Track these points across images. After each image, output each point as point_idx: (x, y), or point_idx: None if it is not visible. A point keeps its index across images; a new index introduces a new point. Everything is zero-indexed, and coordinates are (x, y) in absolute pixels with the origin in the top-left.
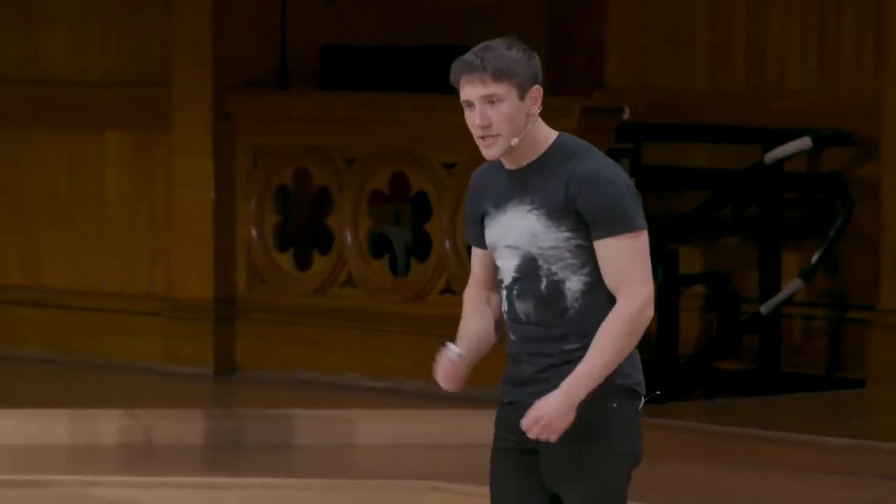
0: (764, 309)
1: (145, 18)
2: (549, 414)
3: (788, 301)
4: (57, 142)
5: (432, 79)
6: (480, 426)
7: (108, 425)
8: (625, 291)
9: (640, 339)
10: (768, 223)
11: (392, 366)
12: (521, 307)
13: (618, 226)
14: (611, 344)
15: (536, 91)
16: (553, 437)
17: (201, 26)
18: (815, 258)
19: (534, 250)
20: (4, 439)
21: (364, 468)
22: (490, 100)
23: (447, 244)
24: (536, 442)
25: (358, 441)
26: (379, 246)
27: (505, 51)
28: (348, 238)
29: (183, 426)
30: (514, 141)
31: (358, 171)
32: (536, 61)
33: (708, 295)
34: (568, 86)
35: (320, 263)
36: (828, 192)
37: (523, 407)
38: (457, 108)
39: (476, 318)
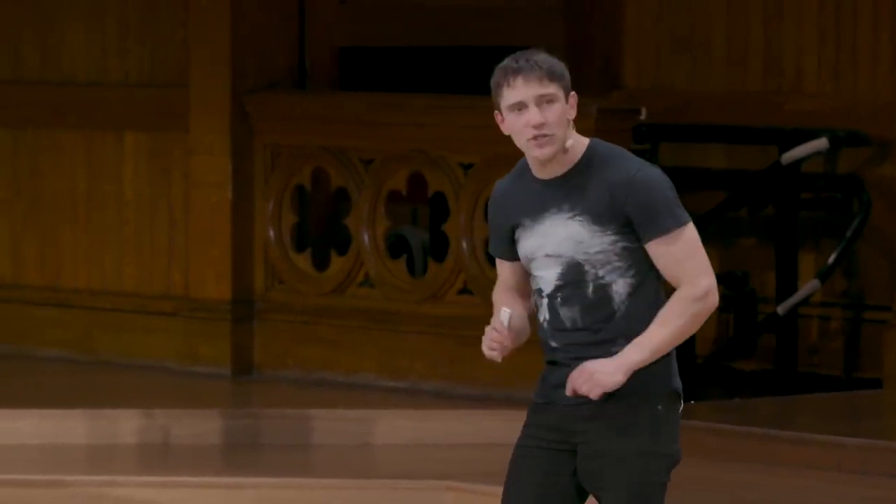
0: (781, 309)
1: (164, 20)
2: (598, 369)
3: (805, 301)
4: (75, 143)
5: (449, 80)
6: (497, 426)
7: (125, 425)
8: (686, 283)
9: (698, 325)
10: (785, 224)
11: (409, 366)
12: (567, 314)
13: (667, 224)
14: (673, 320)
15: (573, 98)
16: (594, 394)
17: (219, 28)
18: (831, 259)
19: (579, 256)
20: (23, 439)
21: (381, 468)
22: (545, 99)
23: (464, 244)
24: (579, 440)
25: (375, 441)
26: (396, 246)
27: (548, 55)
28: (366, 238)
29: (200, 426)
30: (569, 142)
31: (375, 172)
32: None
33: (725, 295)
34: (585, 87)
35: (338, 264)
36: (844, 192)
37: (562, 408)
38: (474, 109)
39: (515, 303)
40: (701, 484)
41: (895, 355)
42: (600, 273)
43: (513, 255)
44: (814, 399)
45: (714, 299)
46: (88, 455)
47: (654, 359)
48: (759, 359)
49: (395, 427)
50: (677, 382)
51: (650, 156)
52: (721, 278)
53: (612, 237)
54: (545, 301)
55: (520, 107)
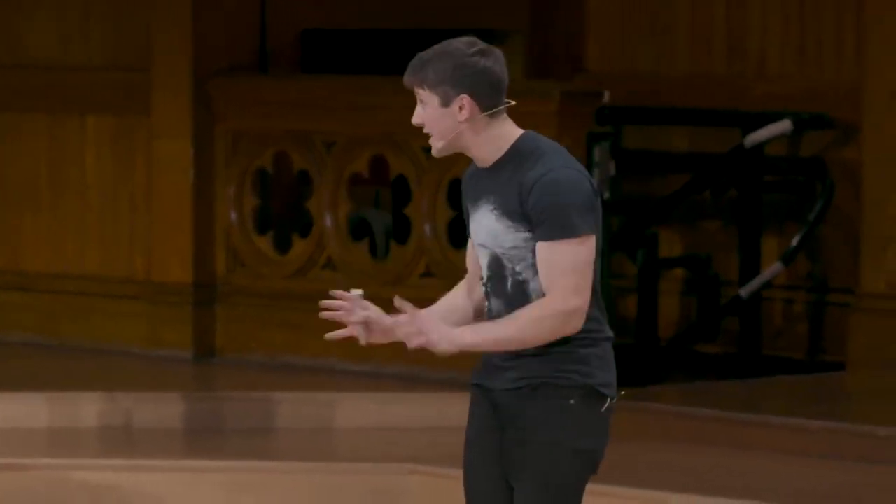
0: (744, 292)
1: (127, 3)
2: (430, 329)
3: (768, 284)
4: (37, 126)
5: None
6: (461, 410)
7: (88, 408)
8: (556, 296)
9: (549, 339)
10: (748, 207)
11: (372, 349)
12: (495, 305)
13: (557, 230)
14: (525, 323)
15: (465, 100)
16: (413, 344)
17: (182, 11)
18: (795, 242)
19: (498, 250)
20: None
21: (344, 452)
22: (420, 100)
23: (427, 228)
24: (505, 423)
25: (338, 424)
26: (359, 229)
27: (437, 58)
28: (328, 221)
29: (163, 409)
30: (440, 143)
31: (338, 155)
32: (481, 70)
33: (688, 278)
34: (548, 69)
35: (300, 247)
36: (808, 175)
37: (487, 392)
38: None
39: (450, 296)
40: (664, 467)
41: (858, 338)
42: (517, 269)
43: None
44: (777, 382)
45: (577, 324)
46: (51, 438)
47: (490, 349)
48: (723, 342)
49: (358, 410)
50: (601, 379)
51: (613, 138)
52: (684, 261)
53: (525, 234)
54: (483, 289)
55: None
